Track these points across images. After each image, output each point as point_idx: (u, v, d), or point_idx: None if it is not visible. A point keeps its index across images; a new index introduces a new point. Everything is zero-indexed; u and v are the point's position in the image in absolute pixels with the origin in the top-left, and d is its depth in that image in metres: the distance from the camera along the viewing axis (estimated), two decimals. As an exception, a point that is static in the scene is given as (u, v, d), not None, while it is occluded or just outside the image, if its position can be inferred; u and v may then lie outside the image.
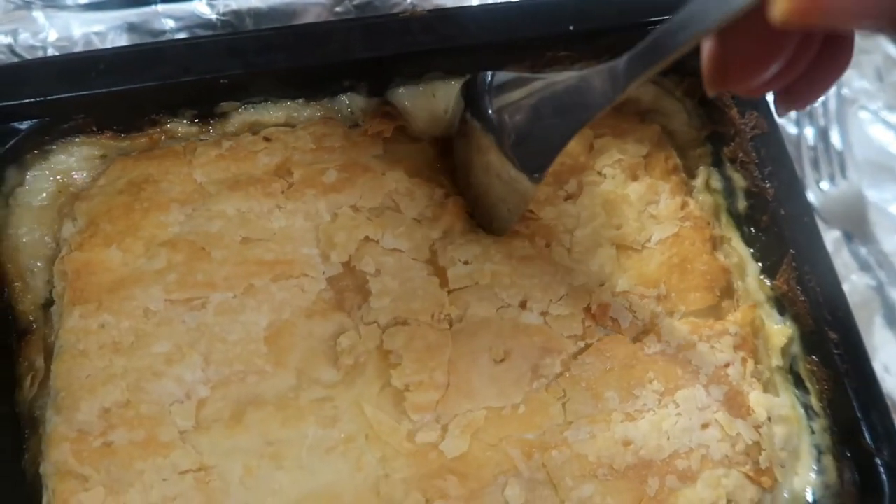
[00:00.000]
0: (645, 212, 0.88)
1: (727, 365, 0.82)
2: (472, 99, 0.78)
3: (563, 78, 0.72)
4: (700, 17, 0.55)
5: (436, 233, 0.83)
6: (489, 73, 0.78)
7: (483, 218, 0.85)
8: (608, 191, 0.88)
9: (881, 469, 0.80)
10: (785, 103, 0.61)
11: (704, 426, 0.79)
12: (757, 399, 0.82)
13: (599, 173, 0.90)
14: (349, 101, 0.91)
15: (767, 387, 0.85)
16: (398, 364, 0.77)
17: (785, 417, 0.84)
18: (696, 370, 0.81)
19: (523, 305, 0.81)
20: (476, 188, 0.84)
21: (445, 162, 0.89)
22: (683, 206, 0.89)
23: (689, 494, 0.77)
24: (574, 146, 0.88)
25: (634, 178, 0.89)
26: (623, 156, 0.90)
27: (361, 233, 0.82)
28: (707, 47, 0.57)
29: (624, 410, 0.78)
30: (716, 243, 0.89)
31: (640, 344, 0.82)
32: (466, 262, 0.83)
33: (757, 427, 0.80)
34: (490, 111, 0.76)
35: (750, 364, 0.83)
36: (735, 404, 0.80)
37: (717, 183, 0.94)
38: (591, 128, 0.90)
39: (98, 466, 0.71)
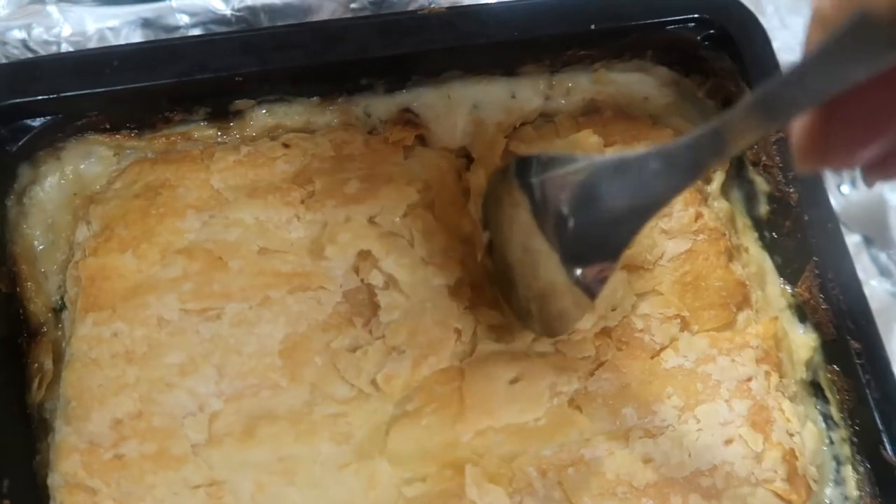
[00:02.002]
0: (656, 227, 0.84)
1: (749, 379, 0.79)
2: (521, 165, 0.71)
3: (615, 159, 0.62)
4: (815, 81, 0.44)
5: (438, 280, 0.79)
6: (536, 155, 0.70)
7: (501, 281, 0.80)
8: None
9: (901, 481, 0.77)
10: (877, 174, 0.51)
11: (728, 442, 0.76)
12: (791, 410, 0.79)
13: None
14: (366, 104, 0.88)
15: (794, 400, 0.82)
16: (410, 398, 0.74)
17: (812, 432, 0.81)
18: (716, 384, 0.78)
19: (534, 339, 0.78)
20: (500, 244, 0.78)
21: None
22: (697, 217, 0.85)
23: None
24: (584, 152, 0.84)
25: None
26: None
27: (365, 244, 0.79)
28: (803, 119, 0.47)
29: (643, 427, 0.75)
30: (731, 254, 0.86)
31: (658, 358, 0.79)
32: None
33: (786, 442, 0.77)
34: (532, 178, 0.68)
35: (774, 377, 0.80)
36: (760, 420, 0.77)
37: (733, 186, 0.91)
38: (600, 135, 0.86)
39: (108, 479, 0.69)
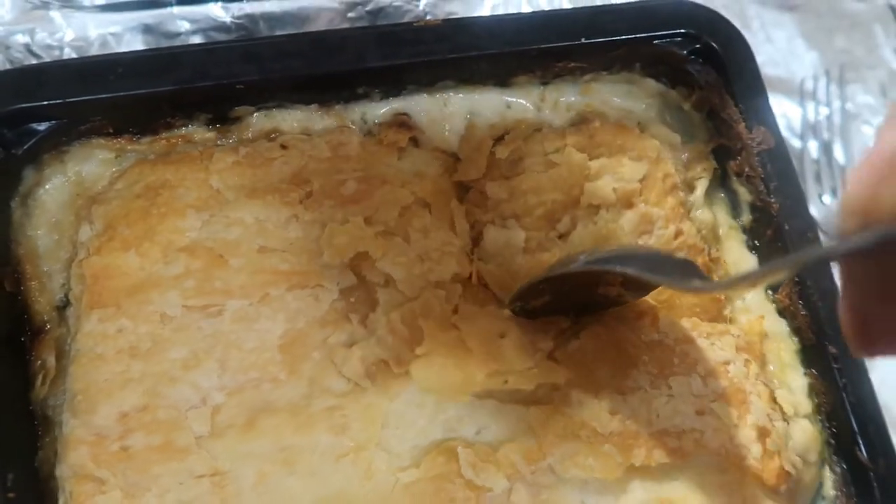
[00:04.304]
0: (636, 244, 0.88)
1: (727, 363, 0.82)
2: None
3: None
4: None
5: (434, 276, 0.83)
6: None
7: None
8: (600, 225, 0.88)
9: (875, 482, 0.82)
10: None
11: (699, 413, 0.79)
12: (783, 397, 0.84)
13: (592, 205, 0.88)
14: (363, 111, 0.92)
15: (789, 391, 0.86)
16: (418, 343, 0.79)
17: (803, 426, 0.85)
18: (693, 362, 0.82)
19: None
20: None
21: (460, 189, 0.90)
22: (677, 235, 0.88)
23: (698, 496, 0.78)
24: (567, 176, 0.88)
25: (629, 205, 0.89)
26: (618, 183, 0.89)
27: (362, 245, 0.82)
28: (842, 306, 0.50)
29: (614, 385, 0.79)
30: (709, 268, 0.90)
31: (637, 332, 0.83)
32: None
33: (765, 425, 0.81)
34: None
35: (754, 367, 0.84)
36: (735, 400, 0.81)
37: (717, 195, 0.96)
38: (587, 146, 0.91)
39: (115, 470, 0.72)
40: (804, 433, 0.85)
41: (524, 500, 0.75)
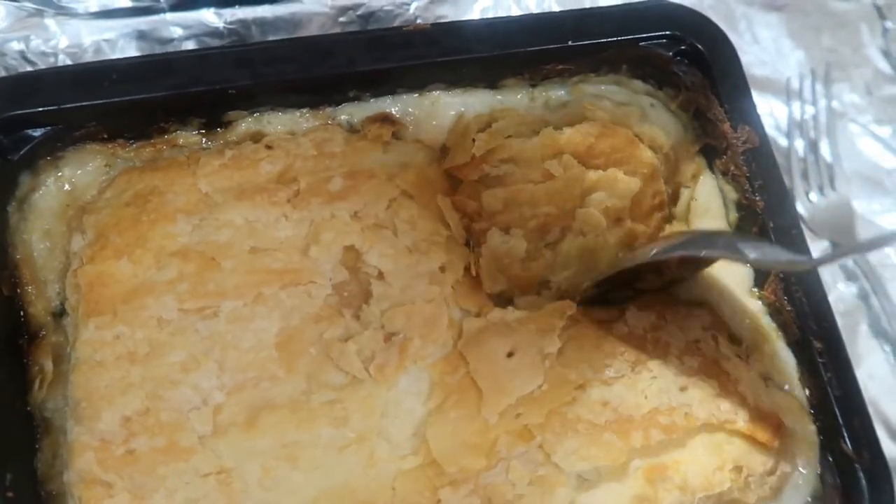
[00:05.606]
0: (617, 257, 0.92)
1: (697, 341, 0.88)
2: None
3: None
4: None
5: (423, 267, 0.87)
6: None
7: None
8: (589, 238, 0.92)
9: (861, 474, 0.85)
10: None
11: (683, 389, 0.85)
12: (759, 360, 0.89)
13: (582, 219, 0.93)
14: (352, 111, 0.95)
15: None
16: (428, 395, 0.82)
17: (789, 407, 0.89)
18: (666, 345, 0.87)
19: (505, 308, 0.87)
20: None
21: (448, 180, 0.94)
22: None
23: (689, 458, 0.83)
24: (563, 189, 0.92)
25: (617, 222, 0.93)
26: (610, 201, 0.93)
27: (348, 240, 0.86)
28: None
29: (599, 379, 0.84)
30: (676, 279, 0.93)
31: (608, 329, 0.87)
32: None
33: (748, 390, 0.85)
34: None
35: (722, 340, 0.89)
36: (713, 371, 0.86)
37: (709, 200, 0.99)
38: (585, 157, 0.94)
39: (122, 473, 0.76)
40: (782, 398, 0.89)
41: (522, 477, 0.79)
